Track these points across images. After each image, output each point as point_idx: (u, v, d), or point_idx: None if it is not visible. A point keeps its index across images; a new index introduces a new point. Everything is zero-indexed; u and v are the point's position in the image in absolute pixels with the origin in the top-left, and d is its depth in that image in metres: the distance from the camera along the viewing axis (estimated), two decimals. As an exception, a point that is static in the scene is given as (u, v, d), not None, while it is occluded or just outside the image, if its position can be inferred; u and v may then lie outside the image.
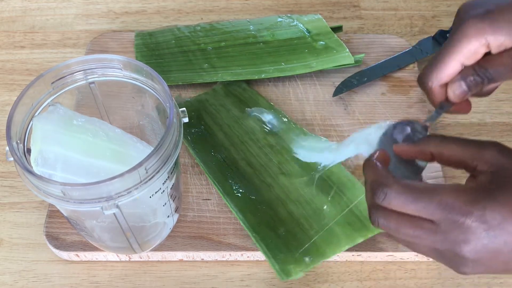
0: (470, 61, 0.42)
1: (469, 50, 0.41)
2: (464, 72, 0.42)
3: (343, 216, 0.54)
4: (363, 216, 0.54)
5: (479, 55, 0.42)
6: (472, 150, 0.40)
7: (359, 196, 0.55)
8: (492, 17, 0.40)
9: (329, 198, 0.56)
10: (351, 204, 0.55)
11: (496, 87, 0.45)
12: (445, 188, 0.38)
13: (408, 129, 0.44)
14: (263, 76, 0.66)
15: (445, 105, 0.44)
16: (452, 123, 0.65)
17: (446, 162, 0.42)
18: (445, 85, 0.43)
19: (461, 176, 0.61)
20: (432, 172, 0.59)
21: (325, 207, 0.55)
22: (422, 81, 0.44)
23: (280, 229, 0.55)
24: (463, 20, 0.42)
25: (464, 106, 0.45)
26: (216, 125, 0.63)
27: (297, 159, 0.59)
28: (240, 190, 0.57)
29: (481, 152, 0.39)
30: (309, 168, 0.58)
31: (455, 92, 0.42)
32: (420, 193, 0.38)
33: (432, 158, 0.42)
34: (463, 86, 0.42)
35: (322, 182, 0.57)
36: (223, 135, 0.62)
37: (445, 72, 0.42)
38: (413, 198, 0.38)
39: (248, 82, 0.67)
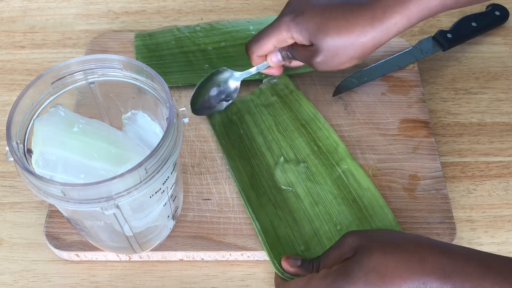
0: (281, 45, 0.58)
1: (279, 38, 0.57)
2: (281, 47, 0.59)
3: None
4: None
5: (288, 42, 0.58)
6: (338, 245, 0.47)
7: (384, 221, 0.55)
8: (299, 19, 0.55)
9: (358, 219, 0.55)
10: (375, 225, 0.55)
11: (300, 65, 0.62)
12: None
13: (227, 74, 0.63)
14: (263, 76, 0.66)
15: (260, 67, 0.62)
16: (451, 123, 0.65)
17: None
18: (264, 56, 0.60)
19: (461, 176, 0.61)
20: (432, 172, 0.59)
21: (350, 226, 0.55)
22: (247, 50, 0.60)
23: (301, 247, 0.54)
24: (282, 14, 0.57)
25: (275, 70, 0.62)
26: (257, 127, 0.63)
27: (335, 180, 0.58)
28: (266, 199, 0.57)
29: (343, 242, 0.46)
30: (342, 189, 0.57)
31: (272, 59, 0.60)
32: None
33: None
34: (278, 56, 0.60)
35: (353, 202, 0.57)
36: (263, 140, 0.62)
37: (263, 49, 0.59)
38: None
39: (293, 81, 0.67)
